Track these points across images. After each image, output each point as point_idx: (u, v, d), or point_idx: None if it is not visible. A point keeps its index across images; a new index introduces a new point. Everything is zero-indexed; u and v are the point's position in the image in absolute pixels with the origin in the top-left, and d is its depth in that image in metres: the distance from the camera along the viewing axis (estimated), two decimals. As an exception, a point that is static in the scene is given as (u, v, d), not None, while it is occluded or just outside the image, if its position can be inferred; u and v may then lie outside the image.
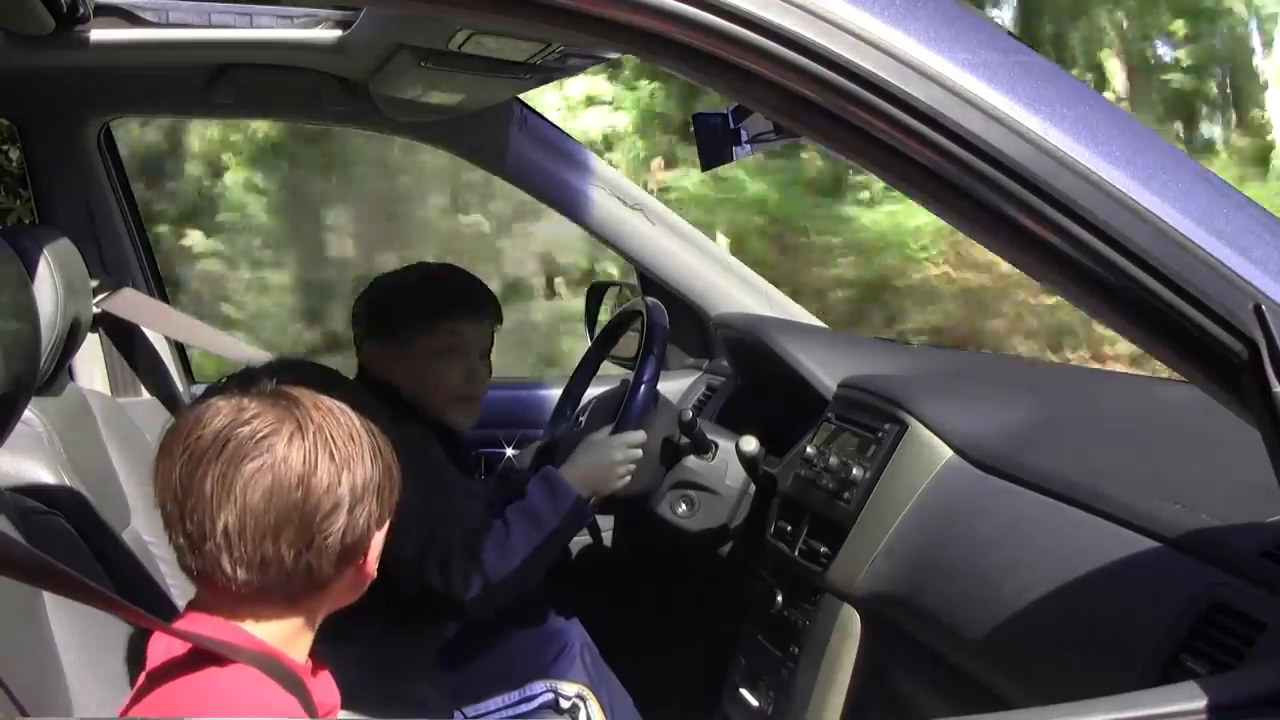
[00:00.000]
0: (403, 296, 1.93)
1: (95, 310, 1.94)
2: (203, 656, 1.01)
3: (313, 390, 1.05)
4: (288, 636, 1.07)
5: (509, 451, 2.41)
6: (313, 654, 1.12)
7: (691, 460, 2.03)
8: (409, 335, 1.88)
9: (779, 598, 1.85)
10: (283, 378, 1.06)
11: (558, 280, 6.97)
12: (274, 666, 1.03)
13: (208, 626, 1.04)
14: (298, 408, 1.03)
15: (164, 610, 1.31)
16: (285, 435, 1.01)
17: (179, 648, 1.02)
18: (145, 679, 1.04)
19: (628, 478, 1.88)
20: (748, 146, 1.58)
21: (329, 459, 1.02)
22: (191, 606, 1.08)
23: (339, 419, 1.04)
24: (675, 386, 2.46)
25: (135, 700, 1.03)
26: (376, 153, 6.71)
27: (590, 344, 2.37)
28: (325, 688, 1.13)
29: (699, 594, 2.31)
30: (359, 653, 1.37)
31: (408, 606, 1.71)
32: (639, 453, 1.89)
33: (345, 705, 1.16)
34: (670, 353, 2.50)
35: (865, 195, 6.93)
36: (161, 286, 2.47)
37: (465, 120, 2.32)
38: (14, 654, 1.07)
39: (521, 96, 2.33)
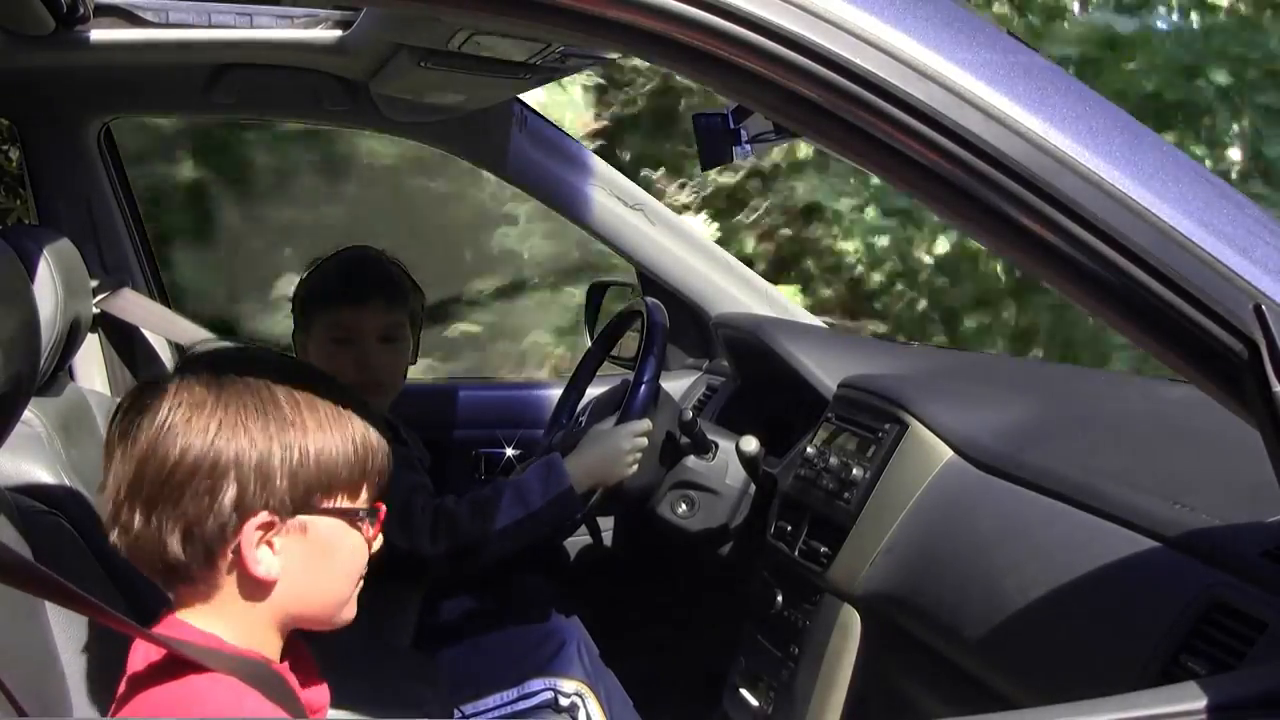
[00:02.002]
0: (304, 286, 1.97)
1: (95, 310, 1.94)
2: (181, 662, 1.00)
3: (233, 368, 1.04)
4: (259, 637, 1.05)
5: (509, 451, 2.41)
6: (301, 655, 1.11)
7: (691, 460, 2.03)
8: (308, 322, 1.93)
9: (779, 598, 1.85)
10: (217, 360, 1.06)
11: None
12: (256, 670, 1.02)
13: (188, 631, 1.03)
14: (204, 385, 1.02)
15: (164, 610, 1.31)
16: (169, 407, 1.01)
17: (157, 653, 1.01)
18: (126, 684, 1.03)
19: (635, 467, 1.89)
20: (748, 146, 1.58)
21: (205, 431, 1.00)
22: (171, 609, 1.07)
23: (240, 396, 1.02)
24: (675, 386, 2.46)
25: (119, 706, 1.03)
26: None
27: (590, 344, 2.38)
28: (314, 688, 1.12)
29: (699, 594, 2.31)
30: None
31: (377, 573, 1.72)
32: (645, 441, 1.90)
33: (334, 701, 1.16)
34: (670, 353, 2.50)
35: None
36: (161, 287, 2.47)
37: (465, 120, 2.32)
38: (14, 654, 1.07)
39: (521, 96, 2.34)
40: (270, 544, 1.03)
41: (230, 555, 1.02)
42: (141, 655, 1.03)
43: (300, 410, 1.03)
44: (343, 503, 1.06)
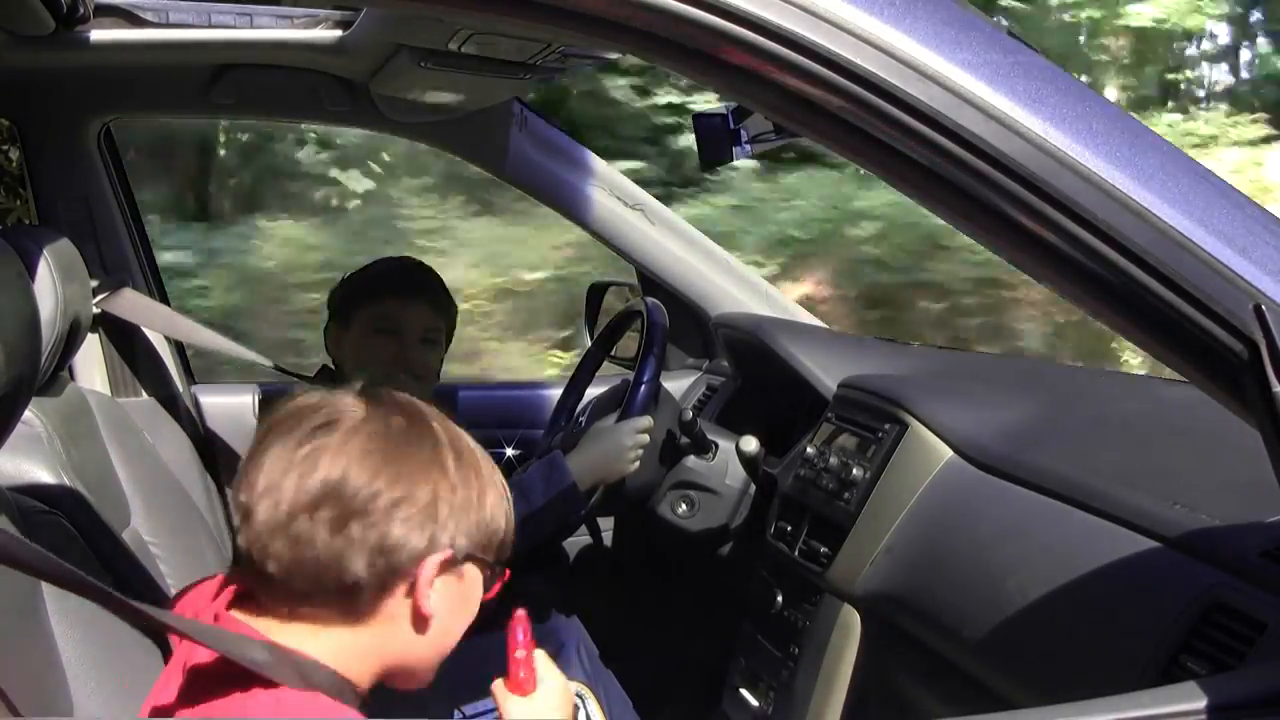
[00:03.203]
0: (350, 281, 2.04)
1: (95, 310, 1.94)
2: (241, 675, 0.95)
3: (399, 398, 1.05)
4: (354, 674, 1.01)
5: (509, 452, 2.41)
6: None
7: (691, 460, 2.03)
8: (348, 315, 1.99)
9: (779, 598, 1.85)
10: (397, 395, 1.06)
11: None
12: (340, 687, 0.98)
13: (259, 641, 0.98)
14: (378, 404, 1.02)
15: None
16: (350, 422, 1.00)
17: (222, 660, 0.96)
18: (180, 693, 0.99)
19: (636, 463, 1.90)
20: (748, 146, 1.58)
21: (382, 459, 0.99)
22: (239, 607, 1.02)
23: (435, 434, 1.02)
24: (675, 386, 2.46)
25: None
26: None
27: (590, 344, 2.38)
28: None
29: (699, 594, 2.31)
30: None
31: None
32: (646, 439, 1.91)
33: None
34: (670, 353, 2.50)
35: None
36: (161, 286, 2.47)
37: (465, 120, 2.32)
38: (14, 654, 1.07)
39: (521, 96, 2.34)
40: (434, 584, 1.02)
41: (403, 586, 1.00)
42: (200, 660, 0.98)
43: (479, 460, 1.05)
44: (486, 557, 1.06)
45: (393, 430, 1.01)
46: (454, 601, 1.04)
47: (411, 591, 1.00)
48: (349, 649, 1.00)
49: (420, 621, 1.02)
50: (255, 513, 0.98)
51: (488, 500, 1.04)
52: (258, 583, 1.01)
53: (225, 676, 0.96)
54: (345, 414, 1.00)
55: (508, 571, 1.10)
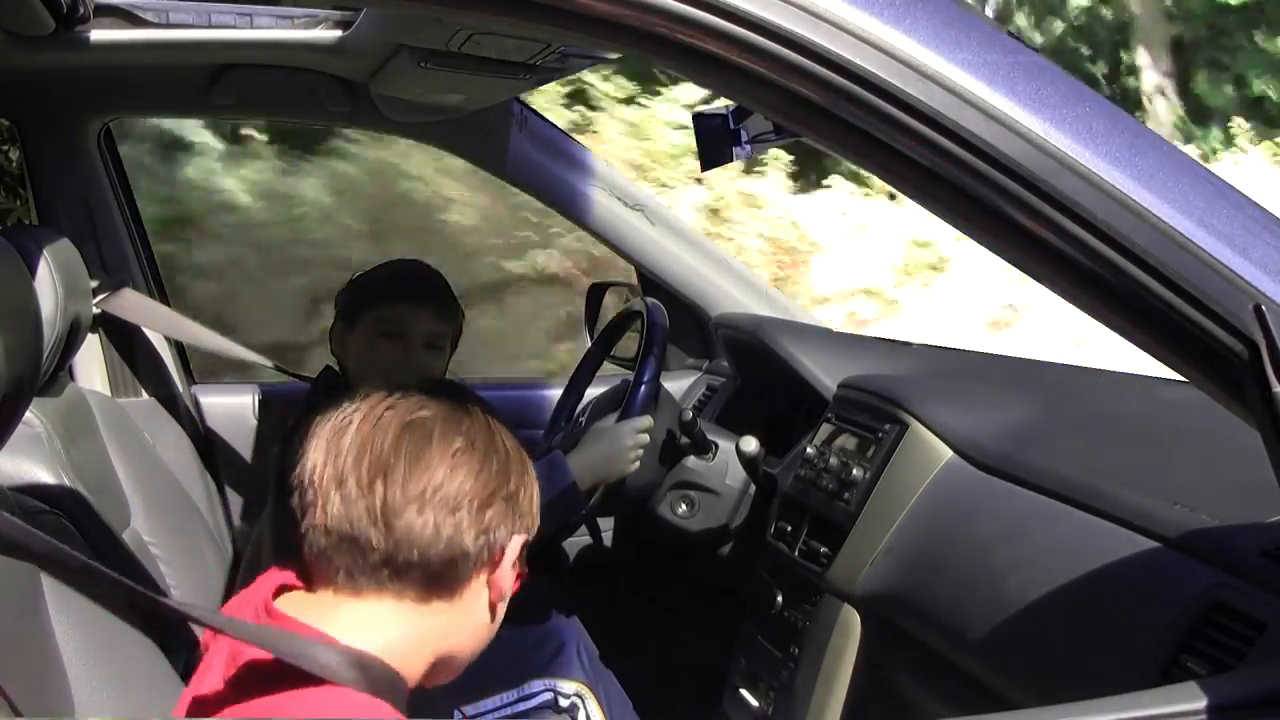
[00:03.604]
0: (357, 283, 2.03)
1: (95, 310, 1.94)
2: (298, 673, 0.95)
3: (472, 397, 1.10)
4: (409, 664, 1.03)
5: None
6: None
7: (691, 460, 2.03)
8: (354, 317, 1.97)
9: (779, 598, 1.85)
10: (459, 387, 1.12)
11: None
12: (393, 683, 0.99)
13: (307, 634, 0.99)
14: (466, 412, 1.07)
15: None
16: (462, 425, 1.06)
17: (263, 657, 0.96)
18: (229, 686, 0.98)
19: (637, 463, 1.90)
20: (748, 146, 1.58)
21: (499, 449, 1.06)
22: (286, 602, 1.03)
23: (491, 432, 1.08)
24: (675, 386, 2.46)
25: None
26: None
27: (590, 344, 2.38)
28: None
29: (699, 594, 2.31)
30: None
31: None
32: (647, 438, 1.91)
33: None
34: (670, 353, 2.50)
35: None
36: (162, 287, 2.47)
37: (465, 120, 2.32)
38: (14, 654, 1.07)
39: (521, 96, 2.33)
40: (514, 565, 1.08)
41: (487, 567, 1.06)
42: (246, 661, 0.98)
43: (528, 458, 1.12)
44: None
45: (478, 427, 1.06)
46: (511, 588, 1.09)
47: (494, 570, 1.06)
48: (409, 639, 1.03)
49: (495, 604, 1.08)
50: (351, 491, 1.01)
51: (535, 495, 1.12)
52: (327, 567, 1.02)
53: (274, 674, 0.96)
54: (435, 408, 1.06)
55: (526, 568, 1.13)
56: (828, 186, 7.41)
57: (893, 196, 6.79)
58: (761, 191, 7.02)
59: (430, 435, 1.03)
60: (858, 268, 6.90)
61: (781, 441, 2.07)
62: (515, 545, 1.07)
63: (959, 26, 0.88)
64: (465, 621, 1.06)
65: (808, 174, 7.41)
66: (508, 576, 1.07)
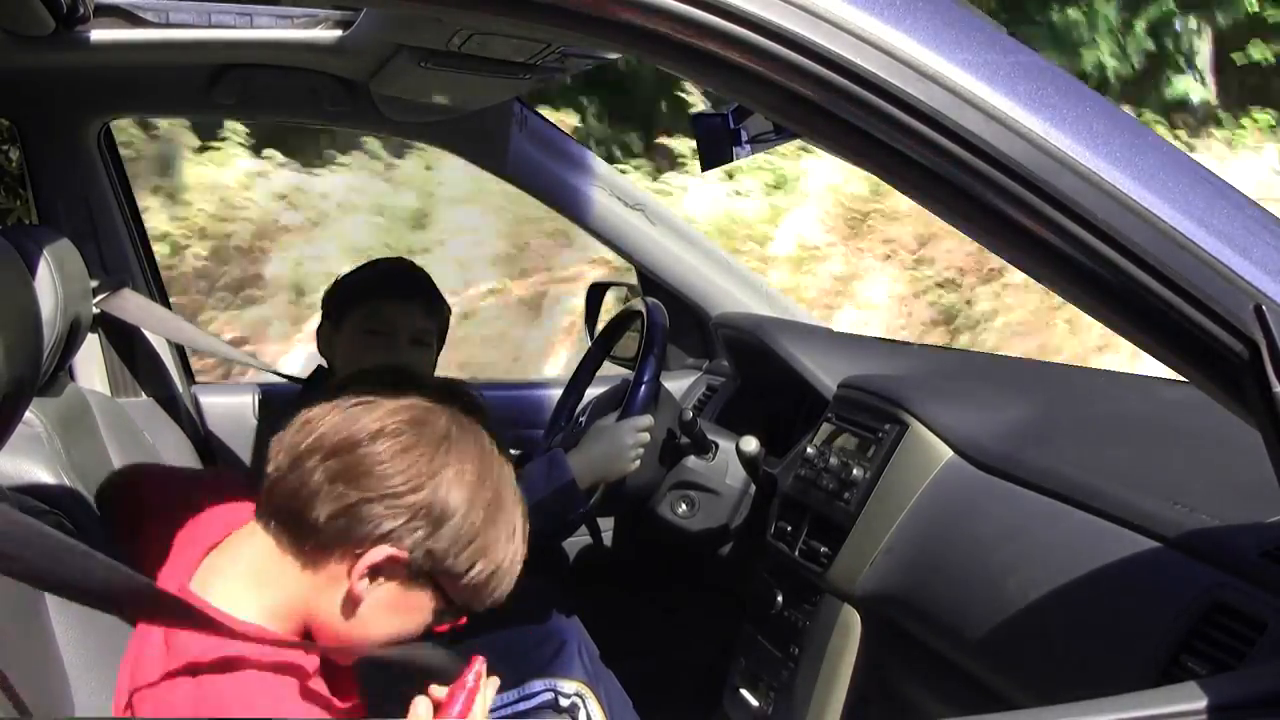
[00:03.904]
0: (343, 281, 2.06)
1: (95, 310, 1.94)
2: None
3: (478, 418, 1.09)
4: (279, 618, 1.08)
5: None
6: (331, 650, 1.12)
7: (691, 460, 2.03)
8: (340, 315, 2.00)
9: (779, 598, 1.85)
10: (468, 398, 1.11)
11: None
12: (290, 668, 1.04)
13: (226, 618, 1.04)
14: (448, 419, 1.07)
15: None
16: (429, 427, 1.05)
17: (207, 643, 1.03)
18: (182, 667, 1.04)
19: (637, 462, 1.89)
20: (747, 146, 1.58)
21: (432, 459, 1.04)
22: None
23: (477, 450, 1.07)
24: (675, 386, 2.46)
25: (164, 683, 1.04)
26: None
27: (590, 344, 2.38)
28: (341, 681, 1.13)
29: (699, 594, 2.31)
30: None
31: None
32: (647, 437, 1.90)
33: None
34: (670, 353, 2.50)
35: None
36: (161, 287, 2.47)
37: (465, 120, 2.32)
38: (15, 654, 1.07)
39: (521, 96, 2.33)
40: (377, 576, 1.06)
41: (344, 558, 1.05)
42: (195, 643, 1.04)
43: (516, 516, 1.09)
44: (450, 593, 1.08)
45: (442, 434, 1.05)
46: (388, 607, 1.07)
47: (353, 565, 1.05)
48: (283, 601, 1.07)
49: (349, 601, 1.06)
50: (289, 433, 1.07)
51: (493, 552, 1.07)
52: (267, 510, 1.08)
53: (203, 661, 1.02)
54: (395, 392, 1.07)
55: (464, 618, 1.12)
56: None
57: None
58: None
59: (391, 412, 1.04)
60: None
61: (781, 441, 2.07)
62: (376, 554, 1.04)
63: (959, 26, 0.88)
64: (321, 600, 1.07)
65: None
66: (365, 585, 1.05)
